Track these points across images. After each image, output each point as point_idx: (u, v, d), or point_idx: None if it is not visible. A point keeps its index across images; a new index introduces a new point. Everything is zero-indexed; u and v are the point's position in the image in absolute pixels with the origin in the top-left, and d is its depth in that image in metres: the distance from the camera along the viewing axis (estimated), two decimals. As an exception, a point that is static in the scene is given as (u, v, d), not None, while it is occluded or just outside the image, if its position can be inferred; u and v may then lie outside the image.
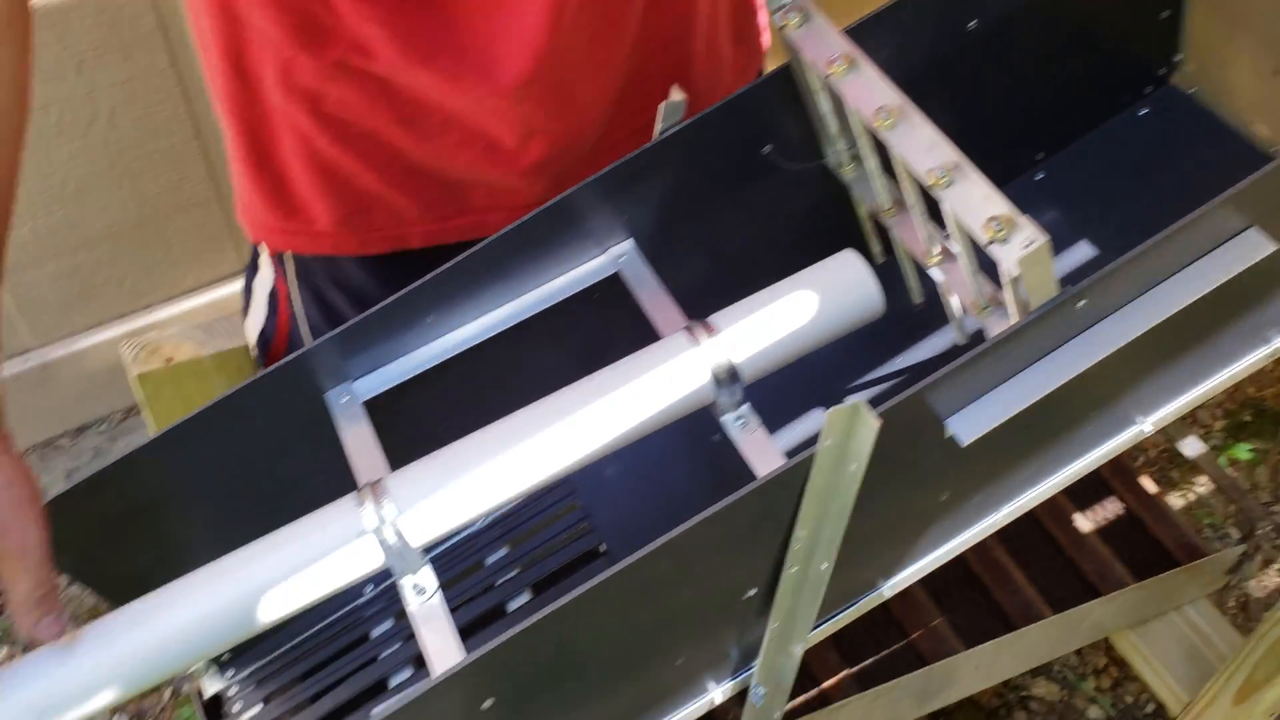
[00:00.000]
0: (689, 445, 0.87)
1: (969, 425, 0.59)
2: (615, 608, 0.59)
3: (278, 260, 0.82)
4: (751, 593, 0.64)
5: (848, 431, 0.54)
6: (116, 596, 0.69)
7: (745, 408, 0.64)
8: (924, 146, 0.59)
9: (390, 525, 0.60)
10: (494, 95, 0.70)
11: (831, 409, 0.53)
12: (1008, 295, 0.60)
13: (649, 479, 0.87)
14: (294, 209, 0.77)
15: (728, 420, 0.64)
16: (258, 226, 0.81)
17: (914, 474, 0.63)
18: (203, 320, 0.92)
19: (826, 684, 0.94)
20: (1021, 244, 0.55)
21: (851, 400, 0.53)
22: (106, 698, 0.59)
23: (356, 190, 0.75)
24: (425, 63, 0.69)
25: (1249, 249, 0.62)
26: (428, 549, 0.63)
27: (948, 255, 0.71)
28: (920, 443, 0.60)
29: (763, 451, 0.63)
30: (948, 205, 0.59)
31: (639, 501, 0.86)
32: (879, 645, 0.98)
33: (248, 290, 0.87)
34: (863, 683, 0.95)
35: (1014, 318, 0.63)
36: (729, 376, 0.63)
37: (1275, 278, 0.67)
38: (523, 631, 0.55)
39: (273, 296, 0.84)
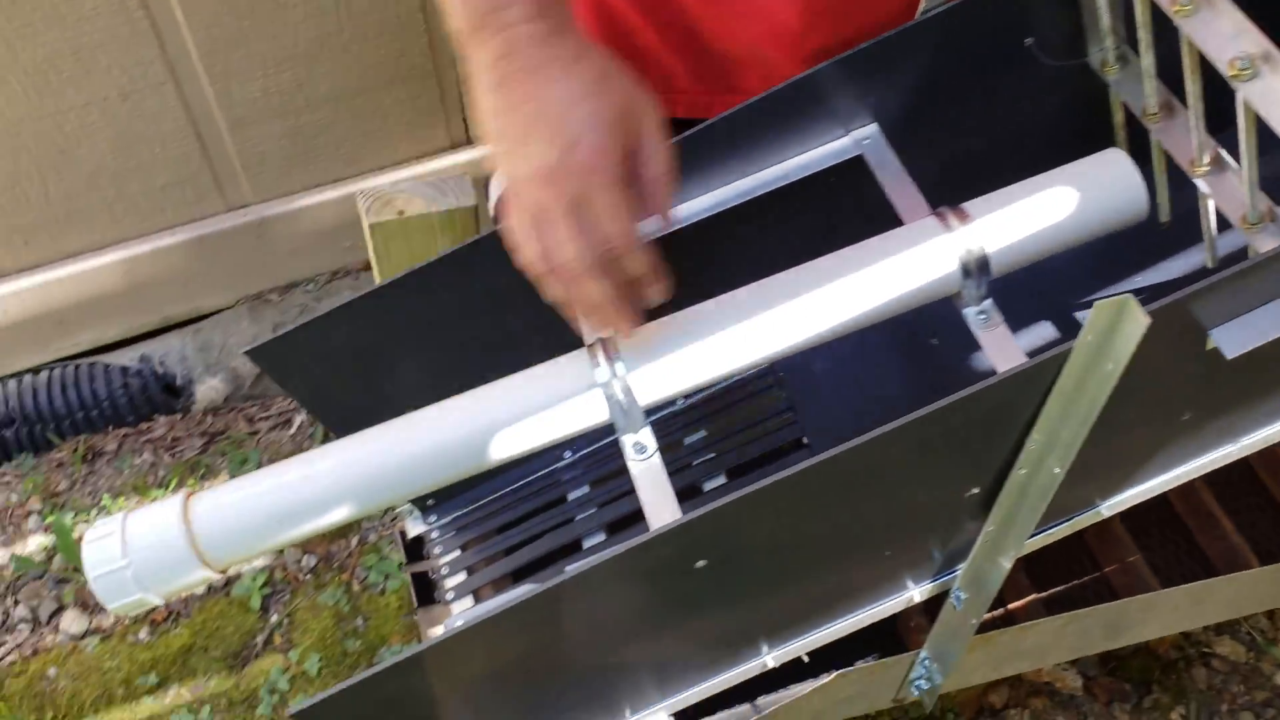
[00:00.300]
0: (902, 348, 0.85)
1: (1236, 337, 0.55)
2: (838, 488, 0.58)
3: None
4: (973, 492, 0.62)
5: (1111, 328, 0.51)
6: (341, 428, 0.72)
7: (989, 302, 0.62)
8: (1228, 33, 0.55)
9: (620, 381, 0.61)
10: None
11: (1099, 302, 0.50)
12: (1296, 205, 0.56)
13: (857, 378, 0.86)
14: None
15: (969, 313, 0.62)
16: None
17: (1162, 387, 0.60)
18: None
19: (1013, 605, 0.93)
20: (1333, 143, 0.50)
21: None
22: (340, 514, 0.62)
23: (636, 45, 0.75)
24: None
25: None
26: (648, 412, 0.63)
27: (1217, 165, 0.66)
28: (1178, 352, 0.57)
29: (1005, 348, 0.61)
30: (1244, 96, 0.54)
31: (845, 399, 0.85)
32: (1070, 574, 0.95)
33: None
34: (1050, 608, 0.93)
35: (1296, 231, 0.59)
36: (978, 267, 0.61)
37: None
38: (747, 497, 0.55)
39: None
